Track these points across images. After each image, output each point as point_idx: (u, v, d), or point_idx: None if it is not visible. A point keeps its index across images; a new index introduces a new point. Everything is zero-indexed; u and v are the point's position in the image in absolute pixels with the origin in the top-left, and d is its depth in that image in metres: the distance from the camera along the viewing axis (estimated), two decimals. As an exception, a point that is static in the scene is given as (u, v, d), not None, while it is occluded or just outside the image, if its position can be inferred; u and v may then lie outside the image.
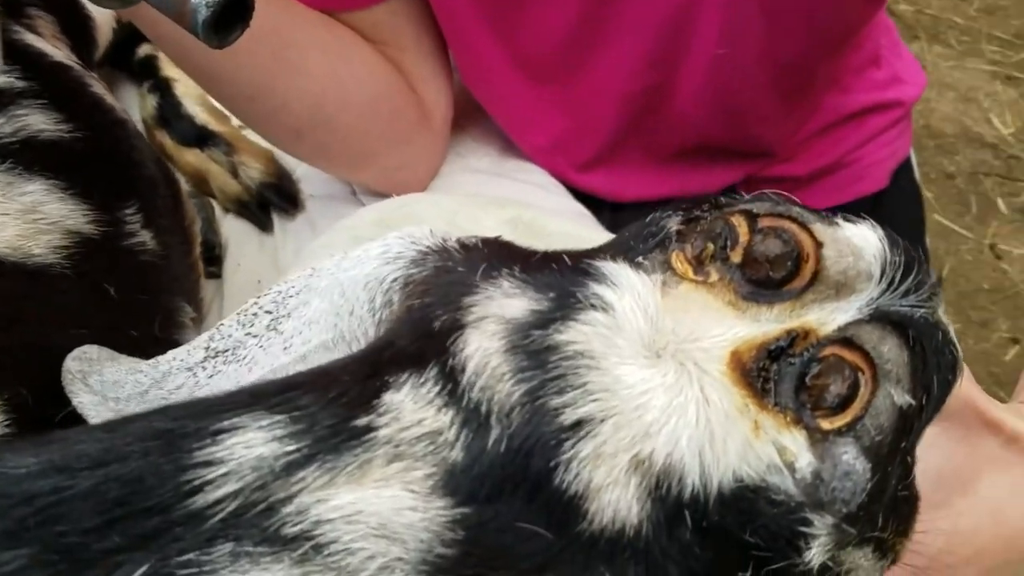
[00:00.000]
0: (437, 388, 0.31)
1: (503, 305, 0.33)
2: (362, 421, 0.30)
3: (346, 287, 0.40)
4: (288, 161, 0.88)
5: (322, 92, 0.75)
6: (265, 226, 0.89)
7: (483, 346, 0.32)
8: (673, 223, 0.37)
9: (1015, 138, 1.93)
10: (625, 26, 0.76)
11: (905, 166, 0.98)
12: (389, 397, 0.31)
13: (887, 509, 0.33)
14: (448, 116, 0.83)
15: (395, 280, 0.39)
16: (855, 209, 0.35)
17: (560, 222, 0.67)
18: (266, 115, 0.75)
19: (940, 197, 1.84)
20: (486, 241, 0.39)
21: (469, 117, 0.89)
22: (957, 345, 0.34)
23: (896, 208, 0.96)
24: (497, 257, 0.37)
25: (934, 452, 0.50)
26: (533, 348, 0.31)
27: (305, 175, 0.88)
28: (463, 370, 0.32)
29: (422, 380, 0.32)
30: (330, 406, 0.31)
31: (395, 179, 0.79)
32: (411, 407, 0.31)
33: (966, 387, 0.50)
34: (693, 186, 0.89)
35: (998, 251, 1.74)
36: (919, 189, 1.03)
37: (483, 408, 0.31)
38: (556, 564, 0.30)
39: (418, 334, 0.34)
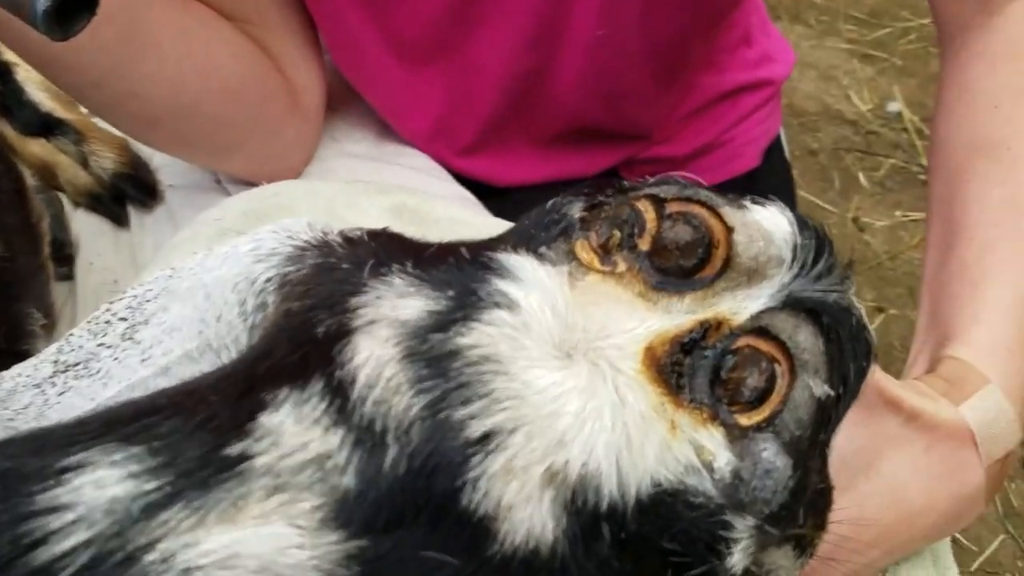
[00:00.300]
0: (323, 405, 0.28)
1: (396, 306, 0.30)
2: (235, 449, 0.26)
3: (211, 289, 0.36)
4: (145, 149, 0.81)
5: (179, 77, 0.68)
6: (120, 221, 0.81)
7: (375, 354, 0.28)
8: (576, 210, 0.35)
9: (873, 114, 2.01)
10: (503, 5, 0.74)
11: (776, 144, 1.00)
12: (266, 419, 0.27)
13: (807, 505, 0.31)
14: (321, 100, 0.78)
15: (269, 280, 0.34)
16: (730, 189, 0.34)
17: (447, 207, 0.64)
18: (115, 103, 0.68)
19: (804, 173, 1.91)
20: (373, 234, 0.36)
21: (343, 100, 0.84)
22: (871, 330, 0.33)
23: (768, 186, 0.98)
24: (387, 251, 0.33)
25: (836, 435, 0.50)
26: (433, 354, 0.28)
27: (164, 163, 0.81)
28: (353, 383, 0.28)
29: (305, 397, 0.28)
30: (196, 433, 0.27)
31: (265, 168, 0.74)
32: (293, 429, 0.27)
33: None
34: (575, 169, 0.88)
35: (861, 224, 1.81)
36: (789, 167, 1.06)
37: (377, 425, 0.27)
38: (466, 593, 0.27)
39: (299, 342, 0.30)
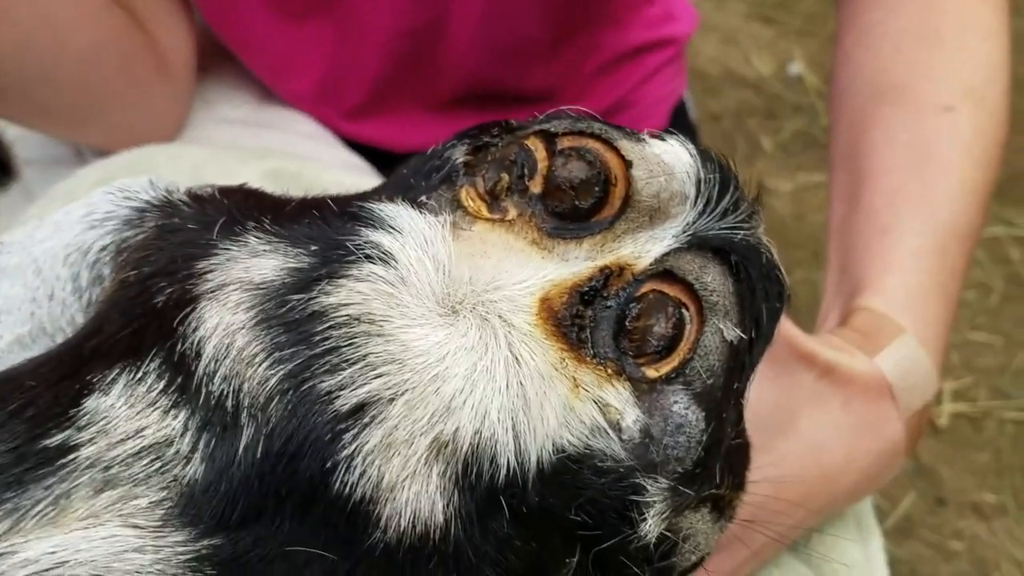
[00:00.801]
0: (162, 384, 0.23)
1: (250, 267, 0.26)
2: (54, 440, 0.22)
3: (42, 264, 0.30)
4: None
5: (29, 39, 0.61)
6: None
7: (224, 321, 0.24)
8: (459, 154, 0.31)
9: (775, 78, 2.02)
10: None
11: (681, 107, 0.99)
12: (92, 403, 0.23)
13: (723, 462, 0.29)
14: (191, 61, 0.72)
15: (104, 248, 0.30)
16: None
17: (333, 173, 0.59)
18: None
19: (708, 138, 1.91)
20: (226, 191, 0.31)
21: (218, 62, 0.78)
22: (782, 269, 0.30)
23: None
24: (241, 209, 0.29)
25: (750, 393, 0.48)
26: (293, 318, 0.24)
27: (20, 136, 0.74)
28: (198, 356, 0.24)
29: (139, 375, 0.23)
30: (9, 424, 0.23)
31: (130, 137, 0.67)
32: (124, 413, 0.23)
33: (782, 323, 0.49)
34: (474, 134, 0.84)
35: (765, 188, 1.83)
36: (696, 129, 1.05)
37: (228, 403, 0.23)
38: (345, 590, 0.23)
39: (133, 315, 0.25)
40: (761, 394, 0.47)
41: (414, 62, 0.76)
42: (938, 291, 0.57)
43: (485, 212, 0.30)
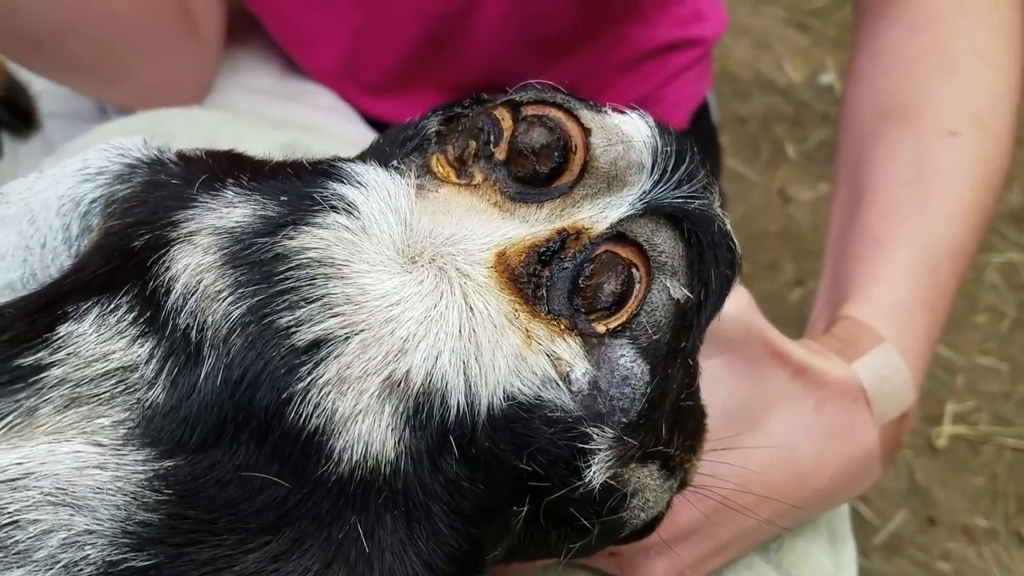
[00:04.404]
0: (132, 315, 0.25)
1: (222, 215, 0.27)
2: (28, 360, 0.23)
3: (37, 213, 0.32)
4: (25, 73, 0.73)
5: None
6: None
7: (194, 262, 0.26)
8: (432, 124, 0.32)
9: (805, 85, 1.98)
10: None
11: (704, 108, 0.97)
12: (66, 329, 0.24)
13: (670, 419, 0.30)
14: (220, 27, 0.73)
15: (95, 201, 0.31)
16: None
17: (347, 148, 0.60)
18: None
19: (733, 142, 1.88)
20: (212, 153, 0.33)
21: (247, 31, 0.78)
22: (735, 240, 0.32)
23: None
24: (223, 168, 0.31)
25: (720, 387, 0.48)
26: (257, 259, 0.26)
27: (46, 89, 0.74)
28: (168, 292, 0.25)
29: (112, 307, 0.25)
30: (-12, 347, 0.24)
31: (155, 97, 0.68)
32: (94, 339, 0.24)
33: (751, 317, 0.48)
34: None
35: (786, 195, 1.79)
36: (716, 132, 1.03)
37: (193, 335, 0.25)
38: (295, 518, 0.25)
39: (111, 257, 0.27)
40: (732, 389, 0.47)
41: (439, 45, 0.76)
42: (925, 306, 0.57)
43: (453, 177, 0.31)
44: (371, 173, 0.29)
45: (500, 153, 0.31)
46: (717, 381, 0.47)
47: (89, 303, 0.25)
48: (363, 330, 0.25)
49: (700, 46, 0.91)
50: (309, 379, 0.25)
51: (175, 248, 0.26)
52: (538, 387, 0.27)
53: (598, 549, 0.34)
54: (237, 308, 0.25)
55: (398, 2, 0.73)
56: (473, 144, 0.31)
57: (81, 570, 0.23)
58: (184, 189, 0.29)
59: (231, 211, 0.27)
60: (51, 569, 0.23)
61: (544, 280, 0.29)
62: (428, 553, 0.26)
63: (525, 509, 0.29)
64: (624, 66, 0.88)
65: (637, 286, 0.28)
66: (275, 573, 0.24)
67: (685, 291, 0.28)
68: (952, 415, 1.49)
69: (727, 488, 0.47)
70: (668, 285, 0.28)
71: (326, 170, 0.29)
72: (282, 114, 0.72)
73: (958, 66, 0.65)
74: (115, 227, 0.29)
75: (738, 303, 0.48)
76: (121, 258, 0.27)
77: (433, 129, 0.32)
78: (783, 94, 2.00)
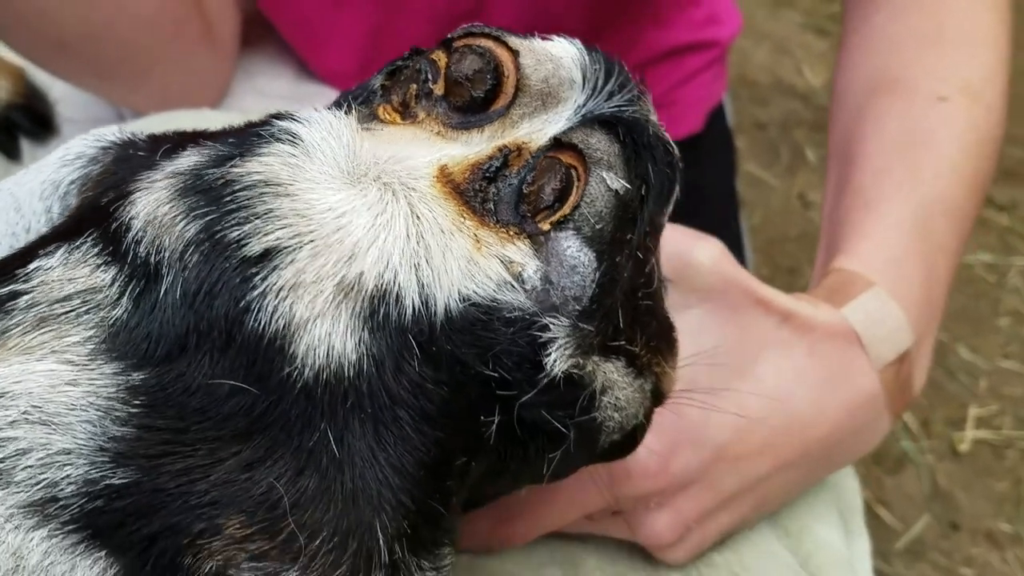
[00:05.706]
0: (96, 250, 0.27)
1: (179, 163, 0.29)
2: (3, 291, 0.25)
3: (22, 201, 0.34)
4: (44, 79, 0.75)
5: None
6: (12, 153, 0.75)
7: (151, 199, 0.27)
8: (377, 80, 0.34)
9: (825, 90, 1.93)
10: None
11: (719, 111, 0.97)
12: (36, 263, 0.26)
13: (628, 314, 0.31)
14: (236, 31, 0.74)
15: (72, 183, 0.33)
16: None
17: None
18: (18, 22, 0.62)
19: (752, 146, 1.85)
20: (182, 133, 0.35)
21: (261, 35, 0.80)
22: (672, 144, 0.33)
23: (711, 153, 0.94)
24: (187, 139, 0.33)
25: (705, 335, 0.47)
26: (207, 187, 0.27)
27: (64, 95, 0.76)
28: (128, 229, 0.27)
29: (77, 244, 0.27)
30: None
31: (174, 101, 0.69)
32: (60, 269, 0.26)
33: (726, 266, 0.49)
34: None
35: (805, 200, 1.76)
36: (731, 135, 1.01)
37: (152, 259, 0.26)
38: (264, 426, 0.25)
39: (80, 215, 0.29)
40: (717, 336, 0.47)
41: None
42: (918, 260, 0.55)
43: (398, 120, 0.33)
44: (315, 114, 0.30)
45: (439, 89, 0.32)
46: (702, 329, 0.47)
47: (56, 244, 0.27)
48: (312, 240, 0.27)
49: (715, 48, 0.91)
50: (264, 286, 0.26)
51: (136, 195, 0.28)
52: (493, 290, 0.28)
53: (581, 463, 0.34)
54: (190, 229, 0.26)
55: (411, 3, 0.74)
56: (414, 87, 0.33)
57: (62, 489, 0.24)
58: (149, 158, 0.31)
59: (188, 159, 0.29)
60: (30, 489, 0.24)
61: (491, 195, 0.30)
62: (396, 457, 0.27)
63: (496, 419, 0.29)
64: (637, 67, 0.88)
65: (577, 183, 0.30)
66: (248, 481, 0.25)
67: (623, 182, 0.30)
68: (975, 419, 1.45)
69: (723, 438, 0.46)
70: (605, 177, 0.29)
71: (275, 116, 0.31)
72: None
73: (949, 42, 0.65)
74: (87, 198, 0.31)
75: (711, 253, 0.48)
76: (88, 211, 0.29)
77: (378, 84, 0.34)
78: (802, 99, 1.97)
